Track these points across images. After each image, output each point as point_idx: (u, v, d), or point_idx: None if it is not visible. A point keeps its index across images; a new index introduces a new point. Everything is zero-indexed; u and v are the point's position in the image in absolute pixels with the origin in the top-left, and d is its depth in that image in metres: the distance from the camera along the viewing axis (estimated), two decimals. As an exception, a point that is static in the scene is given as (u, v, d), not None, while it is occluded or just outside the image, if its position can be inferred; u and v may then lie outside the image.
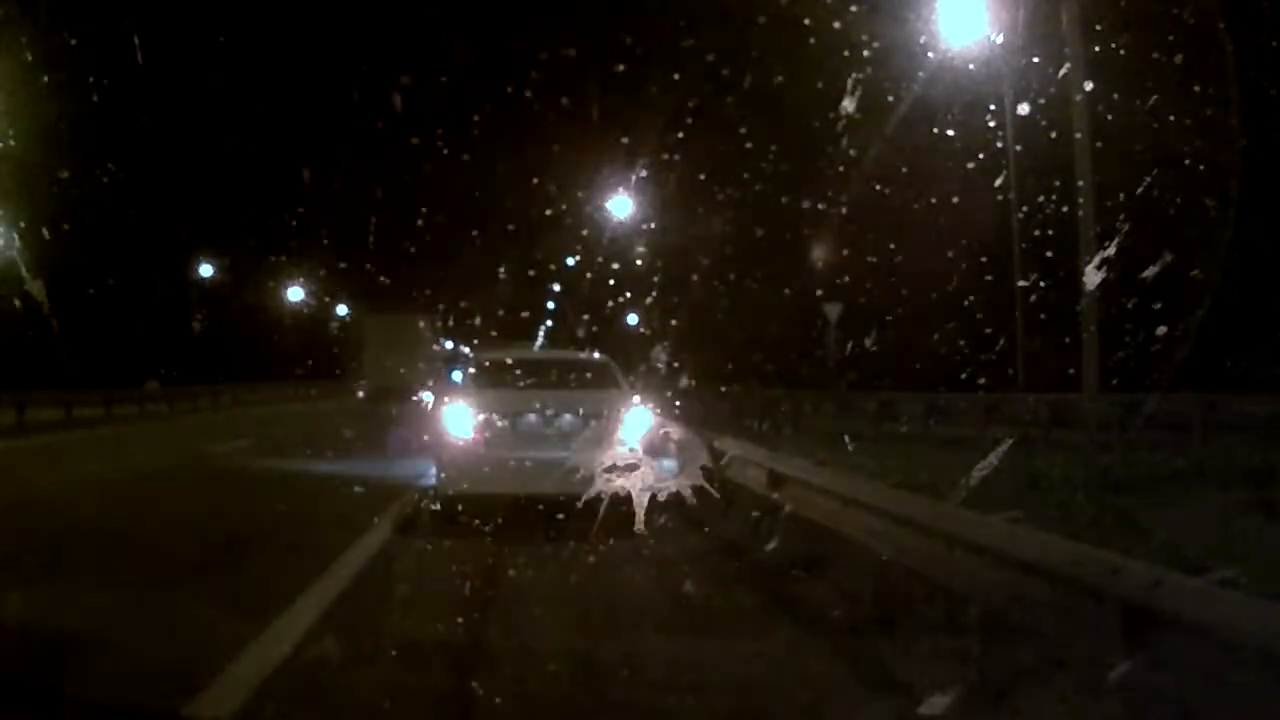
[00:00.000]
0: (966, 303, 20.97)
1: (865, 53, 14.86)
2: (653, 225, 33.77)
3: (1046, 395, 19.05)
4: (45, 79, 20.57)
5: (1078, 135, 15.82)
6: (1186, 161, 17.25)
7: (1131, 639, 3.37)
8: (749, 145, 24.74)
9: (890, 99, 17.90)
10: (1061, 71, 15.79)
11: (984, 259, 21.37)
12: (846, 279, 26.11)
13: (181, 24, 29.43)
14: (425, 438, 10.83)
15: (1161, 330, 12.47)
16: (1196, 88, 15.94)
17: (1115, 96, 16.75)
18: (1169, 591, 3.26)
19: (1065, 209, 17.05)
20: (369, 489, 10.69)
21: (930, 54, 17.39)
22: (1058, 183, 17.46)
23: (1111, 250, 10.56)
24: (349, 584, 6.44)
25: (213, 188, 37.75)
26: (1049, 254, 18.44)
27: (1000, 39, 17.28)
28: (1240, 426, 15.78)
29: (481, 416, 9.01)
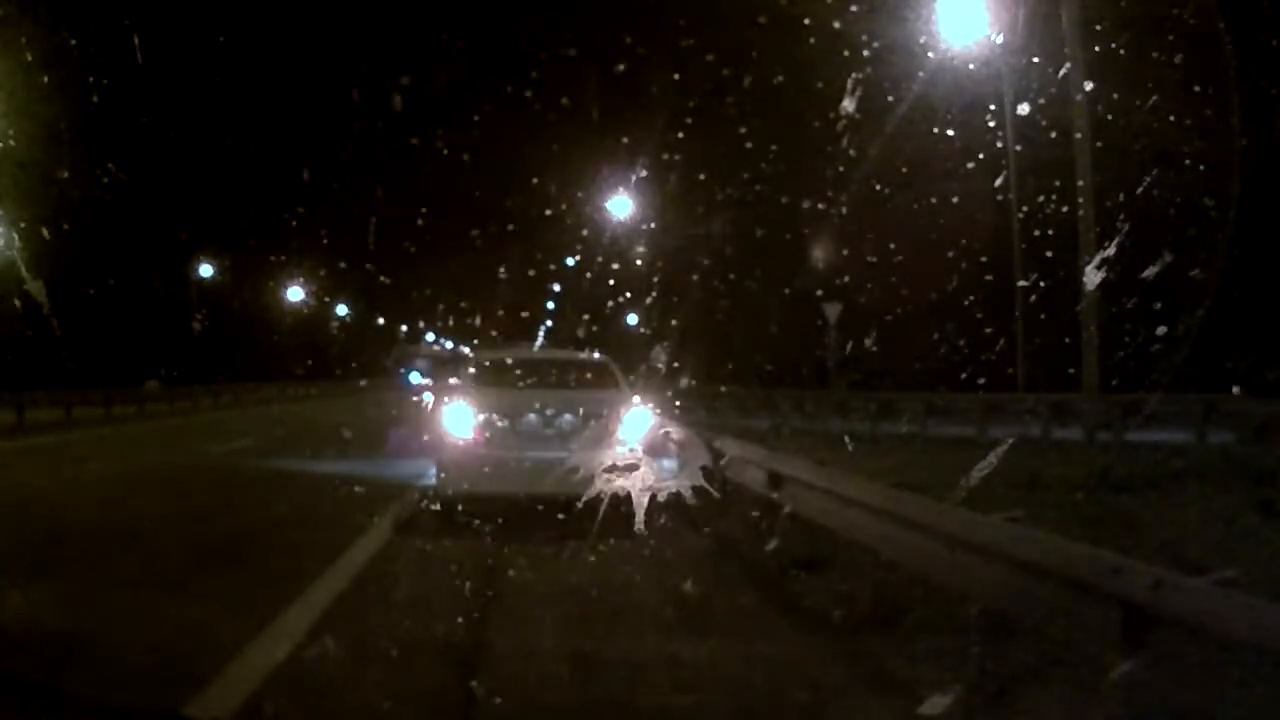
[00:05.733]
0: (966, 303, 20.98)
1: (865, 53, 14.88)
2: (653, 225, 33.79)
3: (1046, 395, 19.06)
4: (45, 79, 20.56)
5: (1078, 135, 15.84)
6: (1186, 161, 17.26)
7: (1131, 639, 3.37)
8: (749, 145, 24.75)
9: (890, 99, 17.92)
10: (1061, 71, 15.81)
11: (984, 259, 21.39)
12: (846, 279, 26.14)
13: (181, 24, 29.43)
14: (425, 438, 10.83)
15: (1161, 330, 12.47)
16: (1196, 88, 15.94)
17: (1115, 96, 16.77)
18: (1169, 591, 3.25)
19: (1065, 209, 17.07)
20: (369, 489, 10.68)
21: (930, 54, 17.41)
22: (1058, 183, 17.48)
23: (1111, 250, 10.56)
24: (349, 584, 6.43)
25: (213, 188, 37.72)
26: (1049, 254, 18.46)
27: (1000, 39, 17.30)
28: (1240, 427, 15.79)
29: (481, 416, 9.01)
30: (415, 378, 41.22)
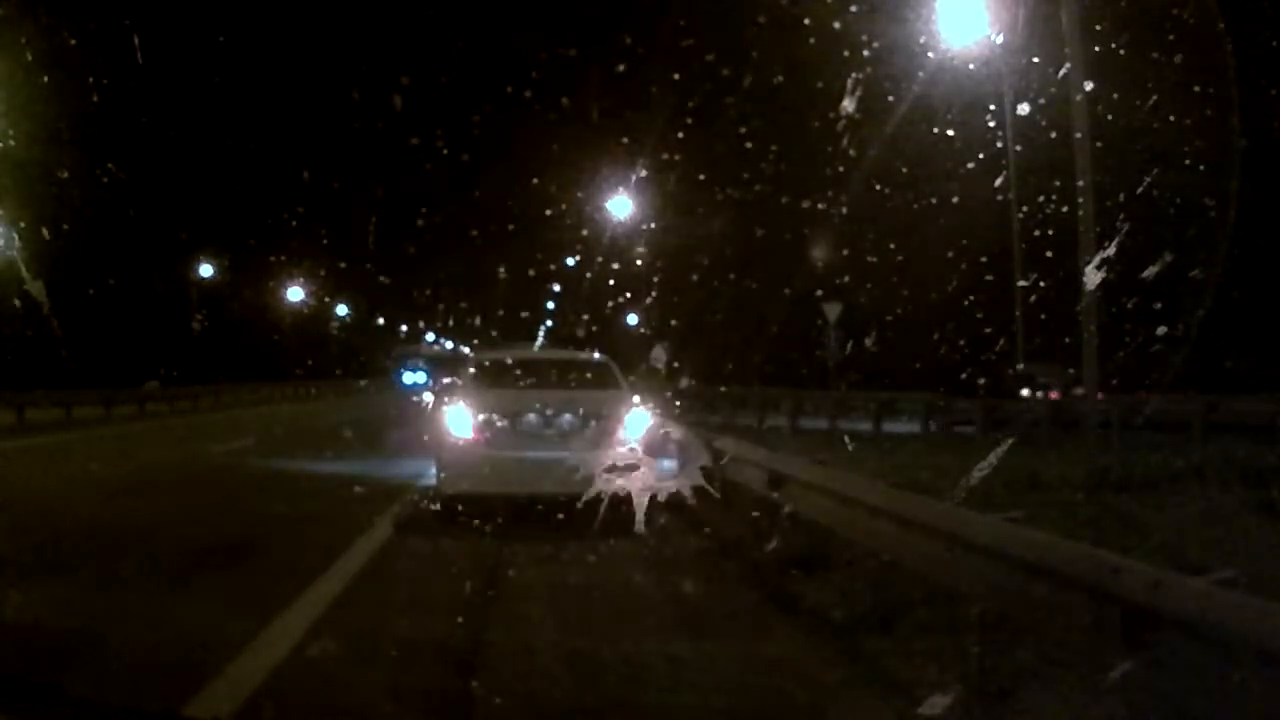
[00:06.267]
0: (966, 303, 20.99)
1: (865, 53, 14.88)
2: (653, 225, 33.81)
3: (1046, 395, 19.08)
4: (45, 79, 20.58)
5: (1078, 135, 15.80)
6: (1186, 161, 17.27)
7: (1131, 639, 3.36)
8: (749, 145, 24.77)
9: (890, 99, 17.92)
10: (1061, 71, 15.78)
11: (984, 259, 21.40)
12: (846, 279, 26.15)
13: (181, 24, 29.47)
14: (425, 438, 10.83)
15: (1161, 330, 12.49)
16: (1196, 88, 15.95)
17: (1115, 96, 16.75)
18: (1169, 591, 3.25)
19: (1065, 209, 17.05)
20: (369, 489, 10.69)
21: (930, 54, 17.40)
22: (1058, 183, 17.47)
23: (1111, 250, 10.56)
24: (349, 583, 6.44)
25: (213, 188, 37.76)
26: (1049, 254, 18.46)
27: (1000, 39, 17.28)
28: (1240, 426, 15.79)
29: (481, 416, 9.01)
30: (409, 379, 39.90)
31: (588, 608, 5.95)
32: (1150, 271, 10.35)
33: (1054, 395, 22.02)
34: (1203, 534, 7.24)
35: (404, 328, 71.53)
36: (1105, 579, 3.53)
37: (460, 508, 8.64)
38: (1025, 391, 21.78)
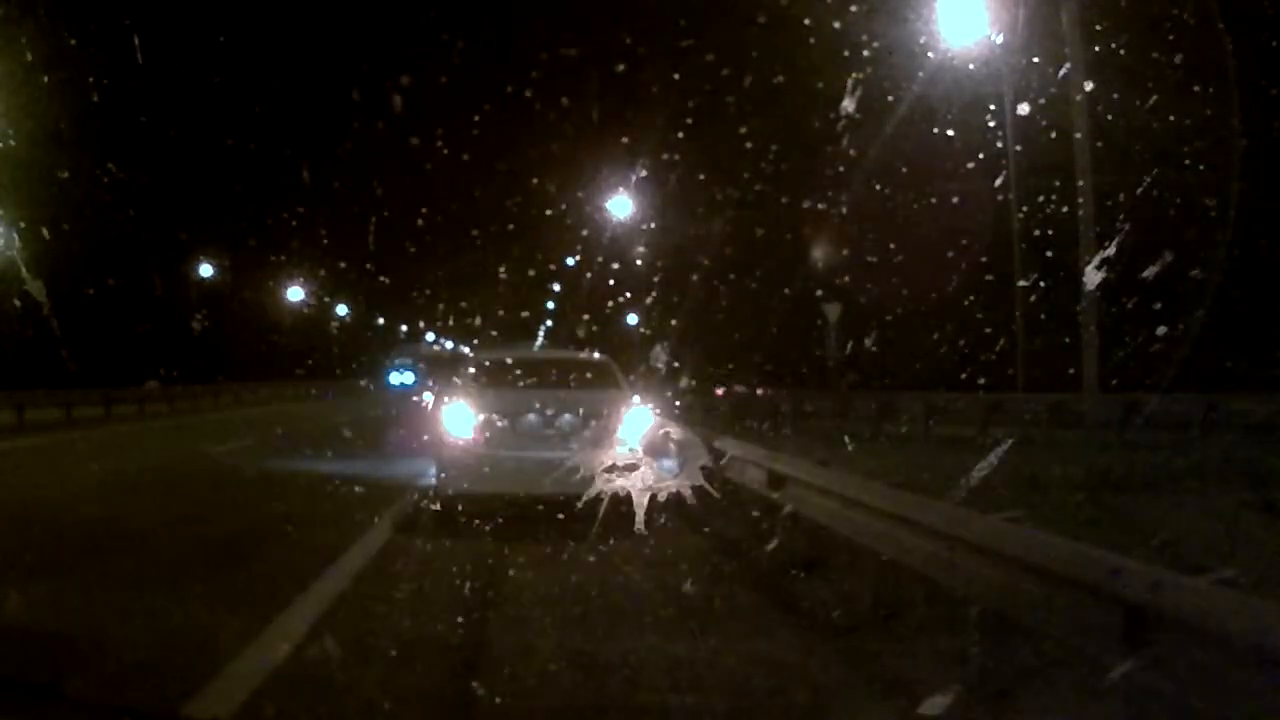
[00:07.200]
0: (966, 303, 20.98)
1: (865, 53, 14.88)
2: (653, 225, 33.77)
3: (1046, 395, 19.07)
4: (45, 79, 20.59)
5: (1078, 135, 15.82)
6: (1186, 161, 17.27)
7: (1131, 639, 3.37)
8: (749, 145, 24.72)
9: (890, 99, 17.92)
10: (1061, 71, 15.80)
11: (984, 259, 21.39)
12: (846, 279, 26.14)
13: (181, 24, 29.48)
14: (425, 438, 10.83)
15: (1161, 330, 12.48)
16: (1196, 88, 15.95)
17: (1115, 96, 16.77)
18: (1169, 591, 3.26)
19: (1065, 209, 17.07)
20: (369, 489, 10.69)
21: (930, 54, 17.40)
22: (1058, 183, 17.48)
23: (1111, 250, 10.57)
24: (349, 584, 6.44)
25: (213, 188, 37.80)
26: (1049, 254, 18.47)
27: (1000, 39, 17.29)
28: (1240, 426, 15.79)
29: (481, 416, 9.00)
30: (395, 379, 39.52)
31: (588, 608, 5.95)
32: (1150, 271, 10.34)
33: (719, 393, 27.53)
34: (1203, 534, 7.23)
35: (404, 328, 71.43)
36: (1105, 579, 3.53)
37: (460, 508, 8.64)
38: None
